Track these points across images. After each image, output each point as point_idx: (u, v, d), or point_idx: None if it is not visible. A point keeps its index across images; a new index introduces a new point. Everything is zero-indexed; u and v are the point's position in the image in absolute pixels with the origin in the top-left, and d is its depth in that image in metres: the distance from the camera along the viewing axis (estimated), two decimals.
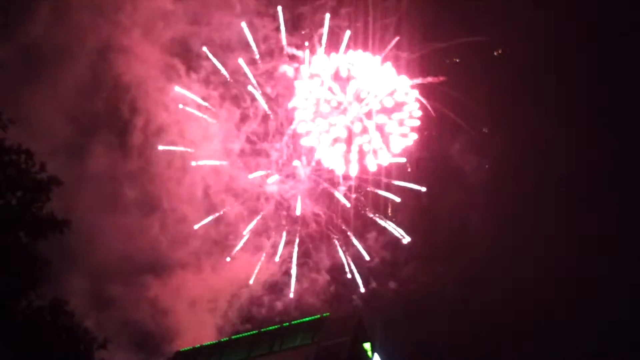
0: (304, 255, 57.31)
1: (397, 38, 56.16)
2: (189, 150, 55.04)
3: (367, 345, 43.63)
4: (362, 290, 56.61)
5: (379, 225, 57.30)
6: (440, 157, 60.42)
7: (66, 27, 50.52)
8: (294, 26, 56.94)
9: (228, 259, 56.23)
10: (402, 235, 56.60)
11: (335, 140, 54.99)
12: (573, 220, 61.39)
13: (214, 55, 55.82)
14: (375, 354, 43.49)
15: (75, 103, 51.32)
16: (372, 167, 55.39)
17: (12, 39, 48.47)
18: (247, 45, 56.13)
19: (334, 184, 56.78)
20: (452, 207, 59.11)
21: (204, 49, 55.79)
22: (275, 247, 57.16)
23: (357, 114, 54.43)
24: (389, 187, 56.81)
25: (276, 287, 56.97)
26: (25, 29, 49.18)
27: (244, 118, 56.74)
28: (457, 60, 59.13)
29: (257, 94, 55.94)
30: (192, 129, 55.44)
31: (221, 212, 55.48)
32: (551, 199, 62.22)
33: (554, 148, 61.40)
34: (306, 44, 55.25)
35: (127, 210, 53.43)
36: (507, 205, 61.04)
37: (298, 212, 56.62)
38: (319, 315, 45.80)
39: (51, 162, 21.17)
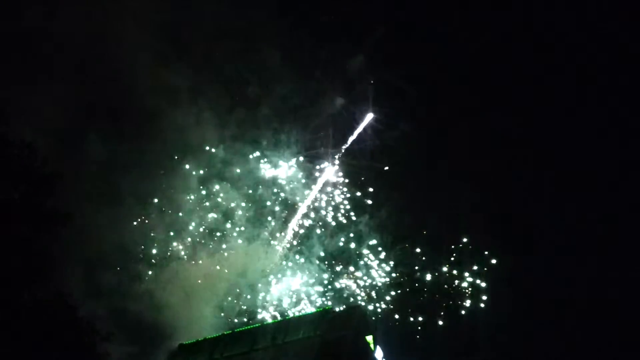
0: (300, 244, 57.60)
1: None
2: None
3: (369, 338, 43.76)
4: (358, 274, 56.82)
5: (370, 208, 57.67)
6: None
7: (57, 15, 50.19)
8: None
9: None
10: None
11: None
12: None
13: (204, 41, 55.76)
14: (378, 347, 43.64)
15: (64, 92, 50.93)
16: None
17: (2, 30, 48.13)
18: (238, 32, 56.20)
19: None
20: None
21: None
22: (271, 235, 57.43)
23: None
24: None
25: (276, 276, 57.21)
26: (15, 19, 48.77)
27: (234, 104, 56.93)
28: None
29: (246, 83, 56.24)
30: (185, 115, 55.44)
31: None
32: None
33: None
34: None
35: (124, 201, 53.45)
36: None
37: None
38: (321, 308, 45.96)
39: (46, 153, 21.28)
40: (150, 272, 54.40)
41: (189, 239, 56.70)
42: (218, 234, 57.06)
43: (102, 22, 52.71)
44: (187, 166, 56.09)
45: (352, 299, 55.38)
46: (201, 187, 56.68)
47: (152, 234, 55.75)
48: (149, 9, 53.14)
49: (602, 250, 59.73)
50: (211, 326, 53.70)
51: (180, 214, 56.64)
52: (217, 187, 56.76)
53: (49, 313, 20.24)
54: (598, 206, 60.95)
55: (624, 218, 60.88)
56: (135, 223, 55.01)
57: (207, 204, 56.90)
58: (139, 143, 54.35)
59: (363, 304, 53.57)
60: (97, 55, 53.27)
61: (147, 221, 55.78)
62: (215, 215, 56.96)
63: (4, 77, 45.54)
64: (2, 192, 20.59)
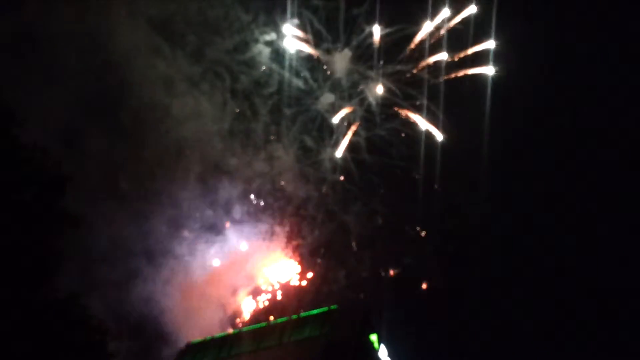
0: (297, 238, 57.66)
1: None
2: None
3: (373, 337, 44.20)
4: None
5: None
6: None
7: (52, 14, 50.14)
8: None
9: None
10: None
11: None
12: None
13: (198, 35, 55.74)
14: (382, 345, 44.07)
15: (63, 89, 50.91)
16: None
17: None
18: (232, 28, 56.12)
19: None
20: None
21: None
22: (270, 230, 57.48)
23: None
24: None
25: (279, 273, 57.37)
26: (9, 18, 48.69)
27: (228, 98, 56.89)
28: None
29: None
30: (181, 108, 55.38)
31: None
32: None
33: None
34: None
35: (129, 200, 53.58)
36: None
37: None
38: (326, 308, 46.39)
39: (54, 154, 21.62)
40: (158, 272, 54.70)
41: (193, 235, 56.90)
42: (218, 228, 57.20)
43: (104, 20, 52.74)
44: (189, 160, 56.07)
45: (356, 298, 55.80)
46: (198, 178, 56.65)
47: (157, 231, 56.00)
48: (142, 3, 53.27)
49: None
50: (220, 325, 54.18)
51: (183, 210, 56.79)
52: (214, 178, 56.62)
53: (61, 313, 20.61)
54: None
55: None
56: (139, 220, 55.24)
57: (206, 196, 56.90)
58: (140, 139, 54.42)
59: (367, 302, 53.92)
60: (99, 54, 53.38)
61: (152, 218, 55.99)
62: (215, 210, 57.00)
63: (13, 79, 45.81)
64: (15, 194, 20.97)
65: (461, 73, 52.67)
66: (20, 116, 21.23)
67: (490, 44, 51.20)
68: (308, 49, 54.83)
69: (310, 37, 54.98)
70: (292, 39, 54.90)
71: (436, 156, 55.11)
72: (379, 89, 54.28)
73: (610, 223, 61.45)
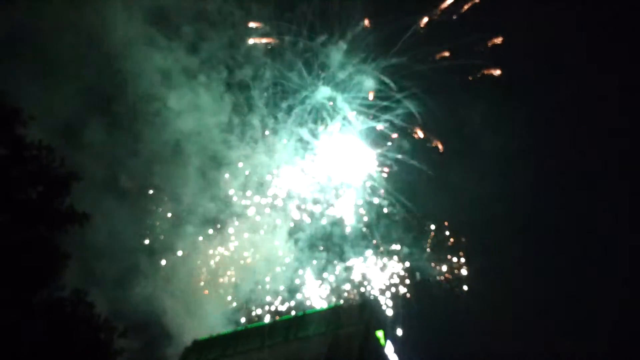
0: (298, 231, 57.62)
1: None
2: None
3: (379, 334, 44.16)
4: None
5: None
6: None
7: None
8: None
9: None
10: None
11: None
12: None
13: (197, 27, 55.66)
14: (388, 341, 44.04)
15: (58, 83, 50.87)
16: None
17: None
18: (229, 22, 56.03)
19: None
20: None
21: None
22: (272, 224, 57.46)
23: None
24: None
25: (282, 269, 57.33)
26: (5, 15, 48.58)
27: (226, 89, 56.91)
28: None
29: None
30: (179, 99, 55.32)
31: None
32: None
33: None
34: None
35: (131, 196, 53.58)
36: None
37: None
38: (332, 305, 46.42)
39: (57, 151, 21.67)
40: (159, 268, 54.75)
41: (197, 233, 56.93)
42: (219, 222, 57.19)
43: (100, 18, 52.66)
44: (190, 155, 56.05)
45: (362, 295, 55.72)
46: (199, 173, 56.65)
47: (160, 228, 56.07)
48: None
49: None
50: (226, 322, 54.23)
51: (186, 205, 56.82)
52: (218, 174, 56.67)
53: (66, 310, 20.62)
54: None
55: None
56: (140, 215, 55.31)
57: (206, 190, 56.92)
58: (140, 134, 54.46)
59: (373, 299, 53.85)
60: (98, 51, 53.37)
61: (151, 213, 56.07)
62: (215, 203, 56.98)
63: (16, 77, 45.80)
64: (21, 193, 21.00)
65: (465, 71, 52.13)
66: (26, 115, 21.25)
67: (497, 40, 49.91)
68: (272, 41, 54.66)
69: (303, 30, 54.87)
70: (257, 35, 54.92)
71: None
72: (370, 96, 54.30)
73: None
